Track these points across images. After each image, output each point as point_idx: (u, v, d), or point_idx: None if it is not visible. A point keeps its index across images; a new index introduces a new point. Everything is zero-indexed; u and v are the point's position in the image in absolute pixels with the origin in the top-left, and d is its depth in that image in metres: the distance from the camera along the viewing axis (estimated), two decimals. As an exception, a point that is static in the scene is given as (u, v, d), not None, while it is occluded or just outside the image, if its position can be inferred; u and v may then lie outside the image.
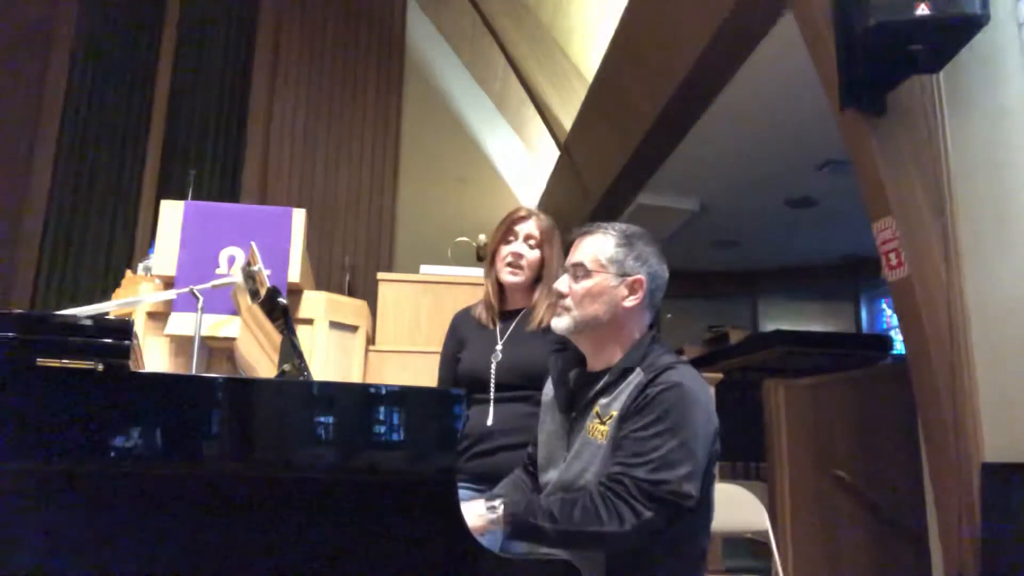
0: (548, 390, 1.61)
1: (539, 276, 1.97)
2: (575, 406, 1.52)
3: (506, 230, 1.99)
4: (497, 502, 1.34)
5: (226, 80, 7.13)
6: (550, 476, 1.51)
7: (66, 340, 1.11)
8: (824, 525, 3.40)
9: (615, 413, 1.41)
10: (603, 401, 1.45)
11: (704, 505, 1.43)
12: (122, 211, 6.74)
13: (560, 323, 1.51)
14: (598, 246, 1.51)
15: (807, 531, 3.41)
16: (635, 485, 1.30)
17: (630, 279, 1.48)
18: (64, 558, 1.07)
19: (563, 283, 1.52)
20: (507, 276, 1.96)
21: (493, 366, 1.91)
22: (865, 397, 3.47)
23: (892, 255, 2.18)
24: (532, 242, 1.97)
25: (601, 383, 1.47)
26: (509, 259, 1.96)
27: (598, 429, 1.42)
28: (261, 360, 1.88)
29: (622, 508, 1.29)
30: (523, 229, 1.98)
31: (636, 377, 1.42)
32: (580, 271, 1.50)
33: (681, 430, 1.33)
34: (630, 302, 1.48)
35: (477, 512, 1.33)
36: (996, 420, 2.04)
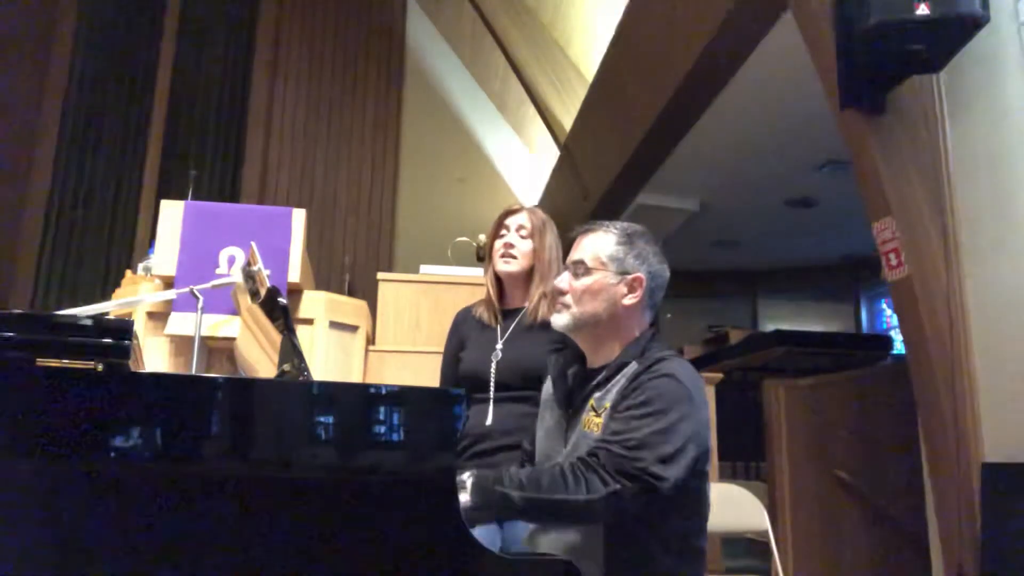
0: (547, 387, 1.62)
1: (533, 269, 1.99)
2: (573, 403, 1.53)
3: (498, 225, 2.04)
4: (465, 476, 1.34)
5: (226, 80, 7.13)
6: None
7: (66, 340, 1.11)
8: (824, 525, 3.40)
9: (608, 405, 1.42)
10: (599, 395, 1.46)
11: (699, 502, 1.43)
12: (122, 211, 6.74)
13: (560, 320, 1.52)
14: (599, 244, 1.52)
15: (807, 531, 3.41)
16: (609, 458, 1.31)
17: (630, 277, 1.49)
18: (63, 558, 1.07)
19: (563, 280, 1.53)
20: (501, 266, 1.99)
21: (493, 365, 1.91)
22: (865, 397, 3.47)
23: (892, 255, 2.18)
24: (523, 232, 2.00)
25: (598, 378, 1.47)
26: (502, 250, 1.99)
27: (593, 421, 1.43)
28: (261, 360, 1.88)
29: (591, 477, 1.29)
30: (514, 221, 2.02)
31: (631, 368, 1.43)
32: (580, 268, 1.51)
33: (666, 416, 1.34)
34: (629, 300, 1.49)
35: None
36: (996, 420, 2.04)
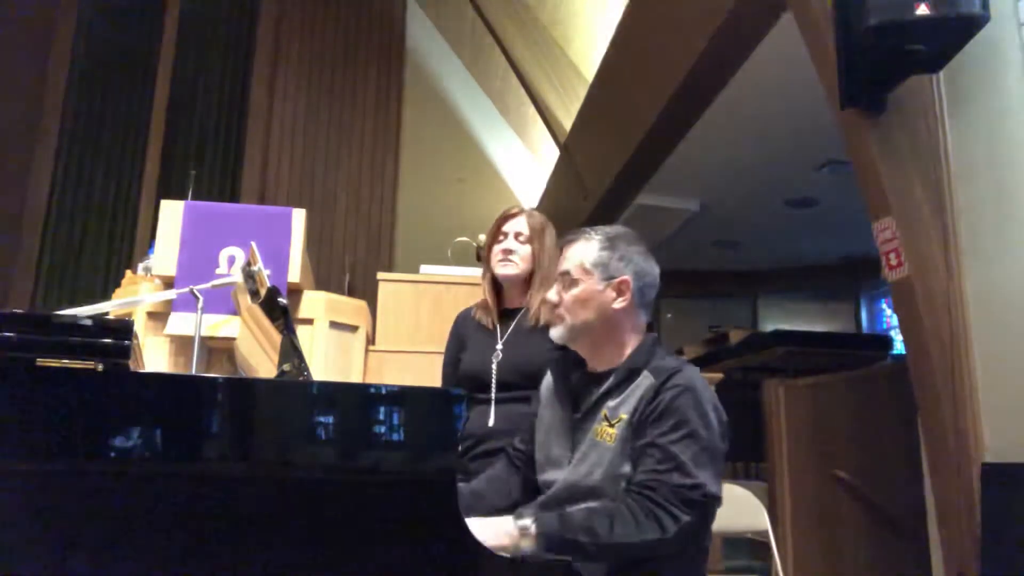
0: (547, 382, 1.61)
1: (533, 272, 1.99)
2: (579, 407, 1.52)
3: (496, 229, 2.03)
4: (528, 520, 1.34)
5: (226, 80, 7.14)
6: (551, 476, 1.51)
7: (66, 340, 1.11)
8: (824, 525, 3.40)
9: (624, 416, 1.41)
10: (611, 403, 1.45)
11: None
12: (122, 211, 6.74)
13: (556, 332, 1.54)
14: (582, 252, 1.53)
15: (807, 531, 3.41)
16: (672, 492, 1.31)
17: (616, 281, 1.50)
18: (63, 558, 1.07)
19: (554, 293, 1.55)
20: (500, 269, 1.99)
21: (494, 365, 1.91)
22: (865, 397, 3.47)
23: (892, 255, 2.18)
24: (522, 238, 2.00)
25: (607, 385, 1.47)
26: (500, 255, 1.99)
27: (606, 432, 1.43)
28: (261, 360, 1.88)
29: (662, 515, 1.30)
30: (512, 226, 2.01)
31: (645, 380, 1.43)
32: (567, 279, 1.53)
33: (703, 433, 1.36)
34: (619, 304, 1.50)
35: (506, 530, 1.32)
36: (996, 420, 2.04)
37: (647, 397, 1.40)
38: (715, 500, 1.34)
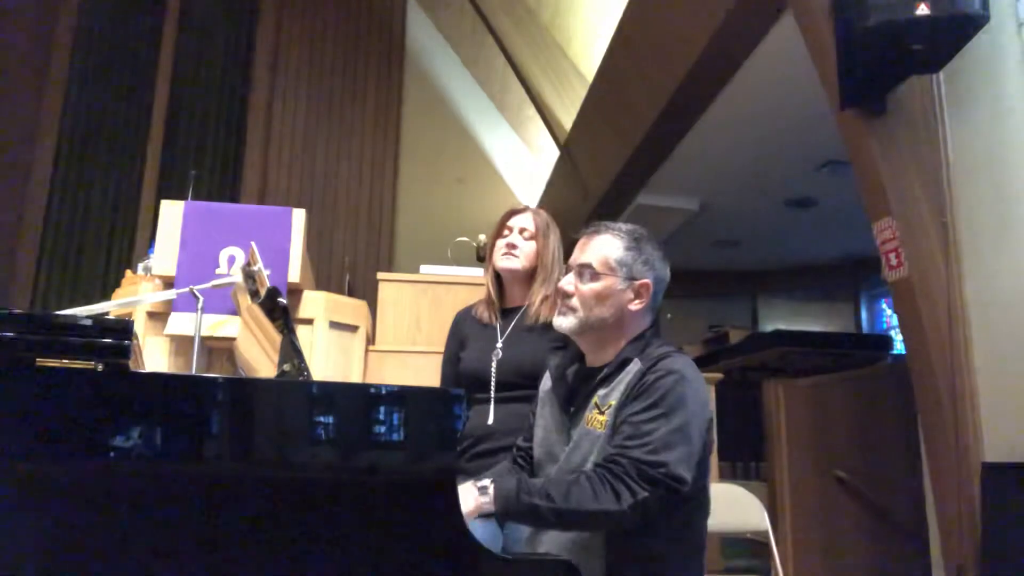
0: (546, 382, 1.61)
1: (535, 270, 1.99)
2: (574, 402, 1.53)
3: (501, 224, 2.04)
4: (487, 482, 1.35)
5: (226, 80, 7.13)
6: (549, 471, 1.51)
7: (66, 340, 1.11)
8: (824, 525, 3.40)
9: (613, 403, 1.42)
10: (602, 392, 1.46)
11: (701, 495, 1.43)
12: (122, 211, 6.74)
13: (564, 322, 1.51)
14: (607, 248, 1.51)
15: (807, 531, 3.41)
16: (632, 465, 1.31)
17: (637, 283, 1.49)
18: (63, 559, 1.07)
19: (569, 282, 1.52)
20: (502, 262, 1.99)
21: (493, 364, 1.91)
22: (865, 397, 3.47)
23: (892, 255, 2.18)
24: (526, 234, 2.00)
25: (600, 376, 1.48)
26: (504, 249, 1.99)
27: (597, 419, 1.43)
28: (261, 360, 1.88)
29: (619, 487, 1.30)
30: (517, 222, 2.02)
31: (634, 367, 1.43)
32: (588, 272, 1.50)
33: (677, 414, 1.35)
34: (635, 305, 1.49)
35: (470, 494, 1.33)
36: (996, 420, 2.04)
37: (633, 381, 1.40)
38: (680, 482, 1.31)
